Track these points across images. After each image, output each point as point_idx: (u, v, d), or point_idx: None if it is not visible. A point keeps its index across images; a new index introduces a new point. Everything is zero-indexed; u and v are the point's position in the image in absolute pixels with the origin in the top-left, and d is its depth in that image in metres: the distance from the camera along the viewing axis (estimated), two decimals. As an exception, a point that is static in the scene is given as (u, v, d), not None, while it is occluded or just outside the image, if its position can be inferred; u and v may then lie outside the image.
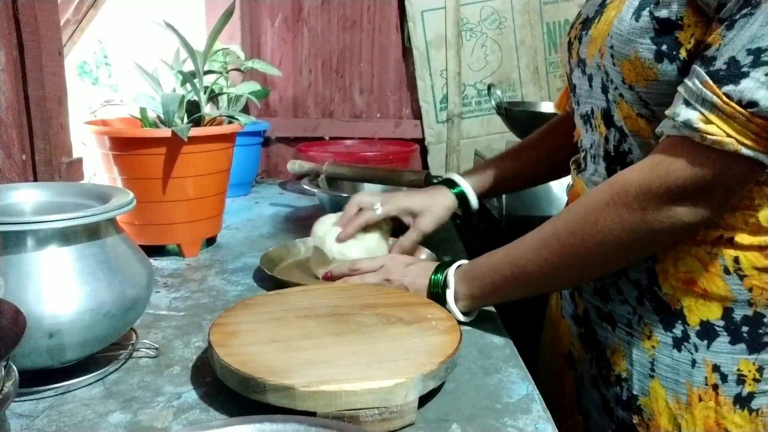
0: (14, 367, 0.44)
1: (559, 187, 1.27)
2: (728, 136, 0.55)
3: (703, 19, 0.59)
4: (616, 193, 0.62)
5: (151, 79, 1.03)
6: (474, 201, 0.96)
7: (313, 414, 0.53)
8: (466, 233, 1.47)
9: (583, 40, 0.73)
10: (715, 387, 0.66)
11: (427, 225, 0.93)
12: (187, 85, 1.01)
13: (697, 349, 0.66)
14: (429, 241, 0.98)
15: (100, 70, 4.00)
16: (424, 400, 0.58)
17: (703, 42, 0.59)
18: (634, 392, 0.70)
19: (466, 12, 1.80)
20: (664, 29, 0.60)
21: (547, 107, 1.59)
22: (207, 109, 1.04)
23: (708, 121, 0.56)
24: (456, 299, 0.74)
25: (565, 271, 0.68)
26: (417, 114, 1.87)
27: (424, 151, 1.88)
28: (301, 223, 1.27)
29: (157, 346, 0.69)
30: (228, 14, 0.99)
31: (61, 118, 1.04)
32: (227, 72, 1.15)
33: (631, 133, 0.68)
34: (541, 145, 0.99)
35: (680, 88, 0.59)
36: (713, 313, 0.65)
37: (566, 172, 0.97)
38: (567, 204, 0.86)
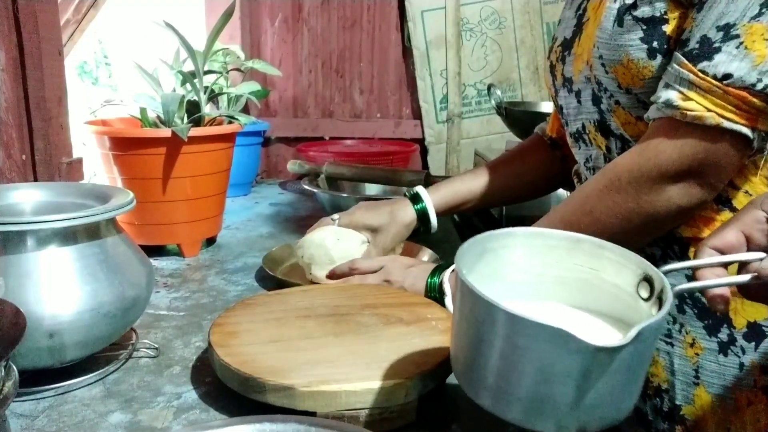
0: (14, 367, 0.44)
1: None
2: (708, 110, 0.57)
3: (684, 11, 0.61)
4: (609, 180, 0.63)
5: (151, 79, 1.03)
6: (433, 220, 0.93)
7: (313, 414, 0.53)
8: (466, 233, 1.47)
9: (567, 60, 0.74)
10: (765, 389, 0.64)
11: (385, 242, 0.92)
12: (187, 85, 1.01)
13: (744, 352, 0.64)
14: (429, 241, 0.98)
15: (100, 70, 4.00)
16: (424, 400, 0.58)
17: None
18: (677, 402, 0.68)
19: (466, 12, 1.80)
20: (650, 27, 0.62)
21: (547, 107, 1.58)
22: (207, 109, 1.04)
23: (687, 98, 0.58)
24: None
25: None
26: (417, 114, 1.87)
27: (424, 151, 1.88)
28: (301, 223, 1.27)
29: (157, 346, 0.69)
30: (228, 14, 0.99)
31: (61, 118, 1.04)
32: (227, 72, 1.15)
33: (633, 138, 0.68)
34: (515, 163, 0.97)
35: (663, 77, 0.61)
36: (761, 313, 0.64)
37: (548, 179, 0.97)
38: None
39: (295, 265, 0.98)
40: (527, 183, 0.96)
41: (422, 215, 0.92)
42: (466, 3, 1.79)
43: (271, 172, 1.90)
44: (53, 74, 1.02)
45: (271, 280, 0.89)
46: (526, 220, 1.28)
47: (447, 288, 0.75)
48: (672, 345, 0.68)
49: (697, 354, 0.67)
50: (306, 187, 1.27)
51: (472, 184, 0.95)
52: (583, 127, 0.74)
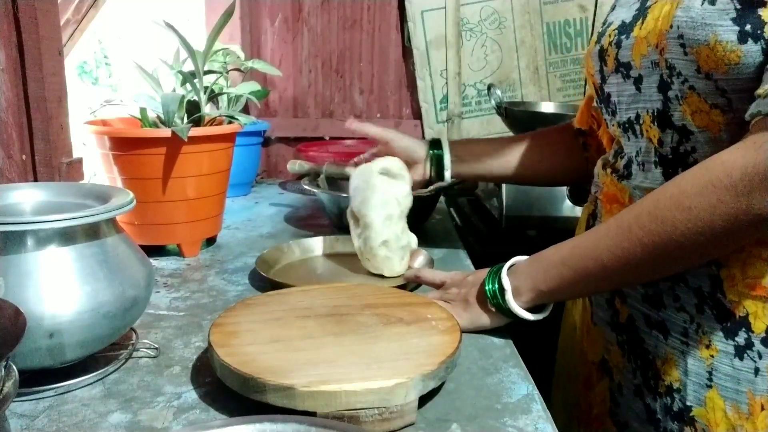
0: (14, 367, 0.44)
1: (558, 187, 1.27)
2: None
3: None
4: (716, 177, 0.57)
5: (151, 79, 1.03)
6: (447, 167, 0.96)
7: (313, 414, 0.53)
8: (466, 233, 1.47)
9: (624, 45, 0.70)
10: None
11: (397, 138, 0.95)
12: (187, 85, 1.01)
13: (761, 357, 0.63)
14: (429, 240, 0.98)
15: (100, 70, 4.00)
16: (424, 400, 0.58)
17: None
18: (688, 403, 0.67)
19: (466, 12, 1.80)
20: (745, 8, 0.57)
21: (547, 107, 1.59)
22: (207, 109, 1.04)
23: None
24: (516, 294, 0.71)
25: (653, 262, 0.63)
26: (417, 114, 1.87)
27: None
28: (301, 223, 1.27)
29: (157, 346, 0.69)
30: (228, 14, 0.99)
31: (61, 118, 1.04)
32: (227, 72, 1.15)
33: (698, 129, 0.64)
34: (533, 138, 0.98)
35: None
36: None
37: (552, 180, 0.97)
38: (593, 210, 0.83)
39: (288, 266, 0.98)
40: (546, 163, 0.97)
41: (438, 160, 0.94)
42: (466, 3, 1.79)
43: (271, 172, 1.90)
44: (53, 74, 1.02)
45: (267, 282, 0.88)
46: (526, 220, 1.28)
47: (506, 283, 0.71)
48: (687, 345, 0.67)
49: (712, 356, 0.65)
50: (306, 187, 1.27)
51: (490, 149, 0.97)
52: (637, 116, 0.71)
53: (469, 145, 0.98)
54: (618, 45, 0.71)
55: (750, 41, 0.57)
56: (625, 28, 0.71)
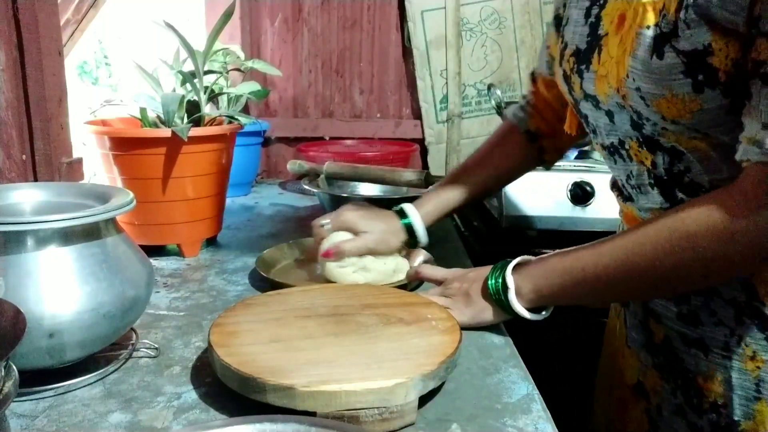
0: (14, 367, 0.44)
1: (558, 187, 1.27)
2: None
3: (733, 38, 0.55)
4: (720, 222, 0.56)
5: (151, 79, 1.03)
6: (420, 234, 0.92)
7: (313, 414, 0.52)
8: (466, 233, 1.47)
9: (585, 76, 0.69)
10: None
11: (372, 243, 0.88)
12: (187, 85, 1.01)
13: None
14: (429, 240, 0.98)
15: (100, 70, 4.00)
16: (424, 400, 0.58)
17: (742, 59, 0.55)
18: (735, 418, 0.66)
19: (466, 12, 1.80)
20: (694, 61, 0.56)
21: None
22: (207, 109, 1.04)
23: None
24: (518, 294, 0.71)
25: (650, 288, 0.64)
26: (417, 114, 1.87)
27: (424, 151, 1.88)
28: (301, 223, 1.27)
29: (157, 346, 0.69)
30: (228, 14, 0.99)
31: (61, 118, 1.04)
32: (227, 72, 1.15)
33: (687, 150, 0.63)
34: (491, 163, 0.96)
35: (750, 111, 0.54)
36: None
37: (523, 172, 0.97)
38: (619, 228, 0.81)
39: (288, 266, 0.98)
40: (505, 179, 0.98)
41: (409, 229, 0.91)
42: (466, 3, 1.79)
43: (271, 172, 1.90)
44: (53, 74, 1.02)
45: (267, 282, 0.88)
46: (526, 220, 1.28)
47: (510, 281, 0.71)
48: (730, 359, 0.66)
49: (758, 367, 0.64)
50: (306, 187, 1.27)
51: (452, 194, 0.94)
52: (621, 142, 0.69)
53: (431, 200, 0.94)
54: (580, 75, 0.70)
55: (707, 90, 0.57)
56: (581, 58, 0.69)
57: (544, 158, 0.95)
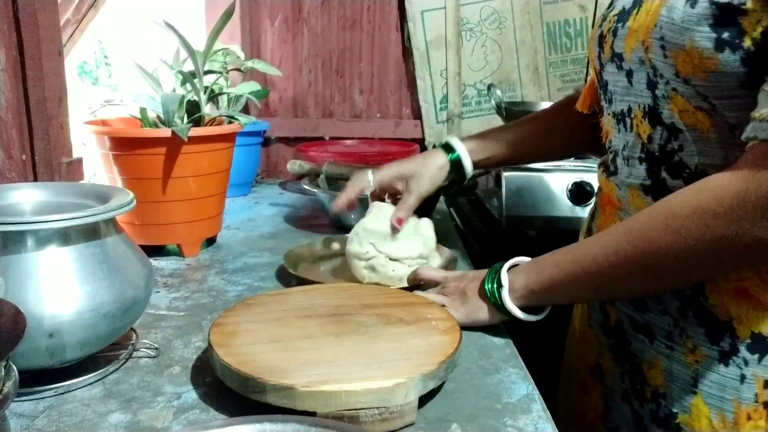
0: (14, 367, 0.44)
1: (558, 187, 1.27)
2: None
3: None
4: (706, 202, 0.54)
5: (151, 79, 1.03)
6: (468, 167, 0.93)
7: (313, 414, 0.53)
8: (466, 233, 1.47)
9: (619, 33, 0.68)
10: (766, 404, 0.61)
11: (421, 186, 0.90)
12: (187, 85, 1.01)
13: (747, 364, 0.61)
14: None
15: (100, 70, 4.00)
16: (424, 400, 0.58)
17: None
18: (674, 410, 0.66)
19: (466, 12, 1.80)
20: (725, 15, 0.54)
21: (547, 107, 1.58)
22: (207, 109, 1.04)
23: None
24: (511, 291, 0.71)
25: (638, 279, 0.62)
26: (417, 114, 1.87)
27: (424, 151, 1.88)
28: (301, 223, 1.27)
29: (157, 346, 0.69)
30: (228, 14, 0.99)
31: (61, 118, 1.04)
32: (227, 72, 1.15)
33: (687, 127, 0.62)
34: (544, 121, 0.97)
35: (766, 87, 0.53)
36: (767, 324, 0.61)
37: (562, 156, 0.97)
38: (593, 210, 0.83)
39: (314, 262, 0.99)
40: (553, 143, 0.97)
41: (456, 164, 0.93)
42: (466, 3, 1.79)
43: (271, 172, 1.90)
44: (53, 74, 1.01)
45: (271, 280, 0.88)
46: (526, 220, 1.28)
47: (504, 279, 0.71)
48: (672, 348, 0.66)
49: (697, 361, 0.64)
50: (306, 187, 1.27)
51: (501, 137, 0.96)
52: (629, 109, 0.69)
53: (482, 139, 0.96)
54: (614, 33, 0.69)
55: (727, 50, 0.55)
56: (623, 16, 0.69)
57: (599, 135, 0.88)
